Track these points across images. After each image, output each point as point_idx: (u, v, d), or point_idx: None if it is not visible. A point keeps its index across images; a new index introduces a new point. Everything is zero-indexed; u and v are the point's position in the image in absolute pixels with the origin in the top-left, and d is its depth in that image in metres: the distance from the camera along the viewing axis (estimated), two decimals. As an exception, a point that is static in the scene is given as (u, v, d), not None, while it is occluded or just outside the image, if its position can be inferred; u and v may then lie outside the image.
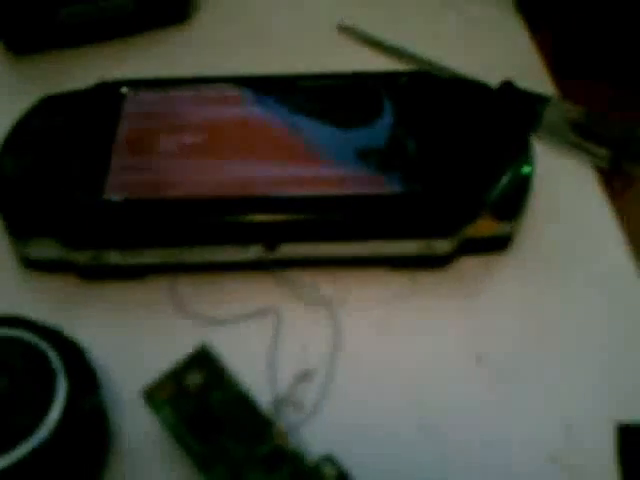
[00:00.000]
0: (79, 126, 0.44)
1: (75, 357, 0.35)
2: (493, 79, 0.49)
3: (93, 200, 0.40)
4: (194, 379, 0.36)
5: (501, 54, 0.53)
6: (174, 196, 0.40)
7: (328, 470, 0.34)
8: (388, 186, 0.41)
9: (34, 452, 0.32)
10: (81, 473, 0.35)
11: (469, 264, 0.43)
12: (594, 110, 0.48)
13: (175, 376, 0.36)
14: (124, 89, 0.46)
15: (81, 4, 0.52)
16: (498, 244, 0.43)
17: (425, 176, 0.41)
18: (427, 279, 0.42)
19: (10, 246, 0.42)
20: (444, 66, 0.52)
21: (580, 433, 0.37)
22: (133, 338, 0.40)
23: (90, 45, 0.54)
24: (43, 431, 0.32)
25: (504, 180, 0.42)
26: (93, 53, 0.54)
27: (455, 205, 0.41)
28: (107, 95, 0.46)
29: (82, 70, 0.51)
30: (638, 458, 0.37)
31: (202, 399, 0.35)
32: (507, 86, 0.49)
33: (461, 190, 0.41)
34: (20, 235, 0.41)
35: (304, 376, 0.38)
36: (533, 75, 0.52)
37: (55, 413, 0.33)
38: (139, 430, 0.37)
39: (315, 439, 0.36)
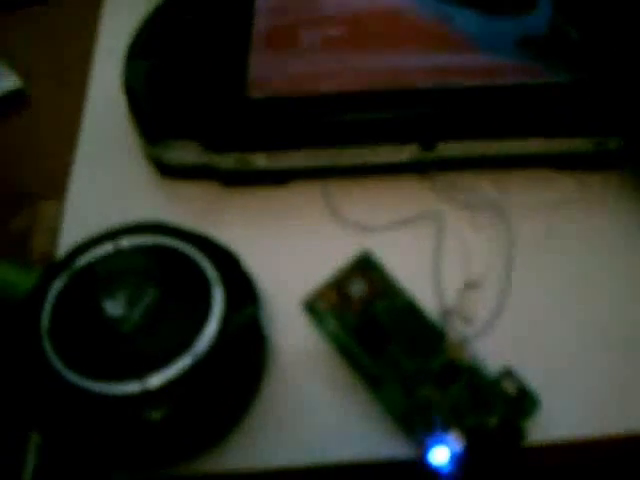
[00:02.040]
0: (210, 24, 0.41)
1: (230, 266, 0.33)
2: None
3: (235, 99, 0.37)
4: (357, 288, 0.33)
5: None
6: (321, 92, 0.37)
7: (508, 385, 0.31)
8: (552, 75, 0.37)
9: (191, 369, 0.30)
10: (240, 385, 0.32)
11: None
12: None
13: (337, 285, 0.33)
14: (255, -18, 0.42)
15: None
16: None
17: (592, 64, 0.38)
18: (596, 181, 0.38)
19: (145, 153, 0.40)
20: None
21: None
22: (284, 247, 0.37)
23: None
24: (202, 344, 0.30)
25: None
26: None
27: (628, 96, 0.36)
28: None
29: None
30: None
31: (367, 309, 0.33)
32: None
33: (634, 80, 0.37)
34: (157, 139, 0.38)
35: (472, 285, 0.34)
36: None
37: (213, 325, 0.31)
38: (296, 342, 0.34)
39: (489, 354, 0.32)
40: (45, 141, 0.42)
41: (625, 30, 0.39)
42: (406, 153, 0.37)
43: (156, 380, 0.29)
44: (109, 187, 0.40)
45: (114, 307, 0.31)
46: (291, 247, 0.37)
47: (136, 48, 0.41)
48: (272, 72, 0.38)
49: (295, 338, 0.34)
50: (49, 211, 0.39)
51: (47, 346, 0.30)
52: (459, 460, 0.30)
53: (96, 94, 0.43)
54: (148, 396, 0.29)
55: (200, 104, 0.37)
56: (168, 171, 0.39)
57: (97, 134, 0.42)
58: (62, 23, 0.48)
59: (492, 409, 0.31)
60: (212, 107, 0.37)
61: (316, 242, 0.37)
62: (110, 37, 0.46)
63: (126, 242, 0.33)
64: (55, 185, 0.40)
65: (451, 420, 0.31)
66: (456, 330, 0.33)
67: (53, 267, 0.32)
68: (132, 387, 0.29)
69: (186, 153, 0.38)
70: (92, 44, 0.46)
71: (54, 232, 0.38)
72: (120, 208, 0.38)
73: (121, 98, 0.39)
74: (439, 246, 0.36)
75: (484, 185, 0.38)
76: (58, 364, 0.29)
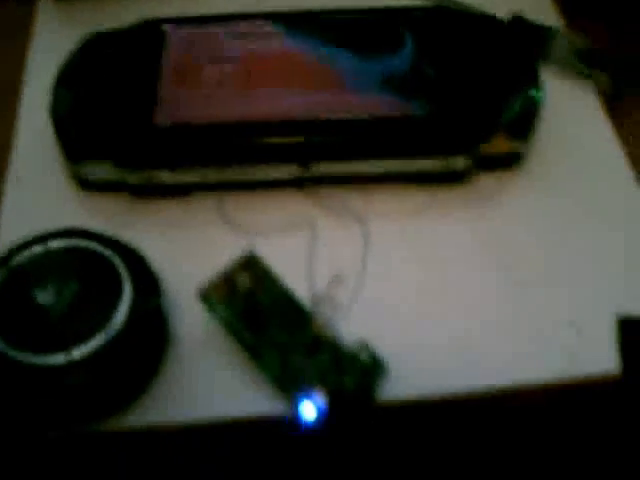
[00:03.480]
0: (126, 60, 0.47)
1: (137, 263, 0.40)
2: (505, 13, 0.52)
3: (144, 125, 0.44)
4: (243, 280, 0.40)
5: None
6: (217, 121, 0.45)
7: (364, 355, 0.39)
8: (410, 109, 0.45)
9: (106, 344, 0.37)
10: (147, 356, 0.40)
11: (484, 180, 0.47)
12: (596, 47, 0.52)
13: (227, 278, 0.40)
14: (165, 26, 0.49)
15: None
16: (510, 161, 0.47)
17: (444, 100, 0.45)
18: (446, 193, 0.46)
19: (67, 170, 0.47)
20: (459, 1, 0.55)
21: (586, 329, 0.42)
22: (184, 249, 0.44)
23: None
24: (113, 326, 0.37)
25: (515, 102, 0.46)
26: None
27: (472, 125, 0.45)
28: (150, 32, 0.49)
29: (123, 9, 0.55)
30: (638, 349, 0.41)
31: (251, 297, 0.40)
32: (517, 19, 0.53)
33: (477, 111, 0.45)
34: (77, 159, 0.45)
35: (337, 278, 0.42)
36: (542, 10, 0.55)
37: (123, 311, 0.37)
38: (194, 325, 0.41)
39: (350, 333, 0.40)
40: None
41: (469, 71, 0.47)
42: (287, 171, 0.45)
43: (78, 352, 0.36)
44: (39, 199, 0.47)
45: (44, 297, 0.38)
46: (190, 248, 0.44)
47: (61, 80, 0.47)
48: (176, 102, 0.45)
49: (194, 321, 0.41)
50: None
51: (-12, 329, 0.37)
52: (323, 415, 0.38)
53: (26, 119, 0.50)
54: (72, 365, 0.36)
55: (114, 129, 0.44)
56: (87, 186, 0.47)
57: (28, 154, 0.48)
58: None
59: (349, 374, 0.39)
60: (124, 132, 0.44)
61: (211, 244, 0.44)
62: (39, 66, 0.53)
63: (53, 244, 0.40)
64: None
65: (317, 382, 0.38)
66: (323, 313, 0.41)
67: (-8, 264, 0.39)
68: (59, 358, 0.36)
69: (102, 170, 0.45)
70: (22, 71, 0.52)
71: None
72: (48, 216, 0.45)
73: (48, 123, 0.46)
74: (312, 247, 0.44)
75: (352, 197, 0.46)
76: (-1, 342, 0.36)
